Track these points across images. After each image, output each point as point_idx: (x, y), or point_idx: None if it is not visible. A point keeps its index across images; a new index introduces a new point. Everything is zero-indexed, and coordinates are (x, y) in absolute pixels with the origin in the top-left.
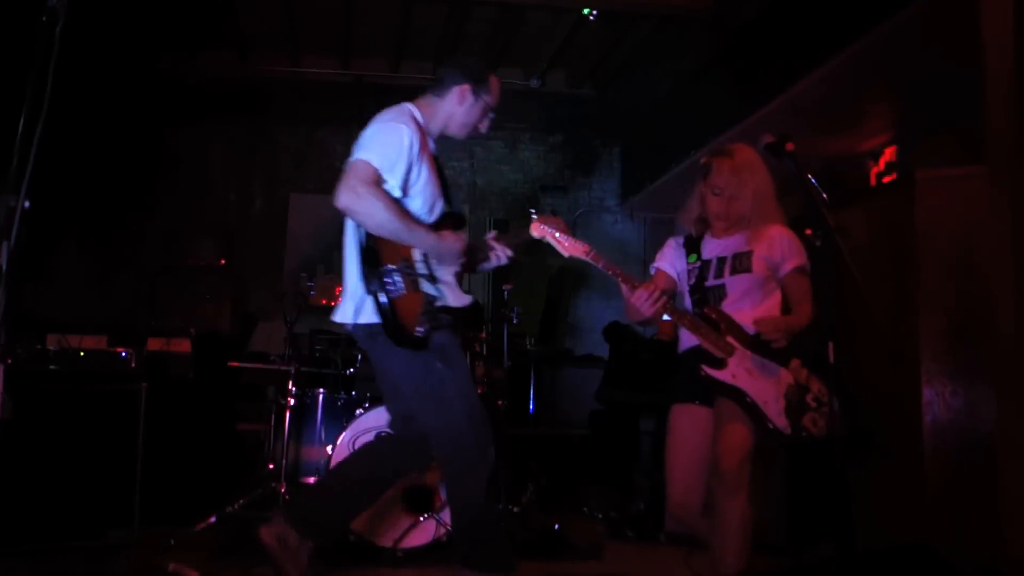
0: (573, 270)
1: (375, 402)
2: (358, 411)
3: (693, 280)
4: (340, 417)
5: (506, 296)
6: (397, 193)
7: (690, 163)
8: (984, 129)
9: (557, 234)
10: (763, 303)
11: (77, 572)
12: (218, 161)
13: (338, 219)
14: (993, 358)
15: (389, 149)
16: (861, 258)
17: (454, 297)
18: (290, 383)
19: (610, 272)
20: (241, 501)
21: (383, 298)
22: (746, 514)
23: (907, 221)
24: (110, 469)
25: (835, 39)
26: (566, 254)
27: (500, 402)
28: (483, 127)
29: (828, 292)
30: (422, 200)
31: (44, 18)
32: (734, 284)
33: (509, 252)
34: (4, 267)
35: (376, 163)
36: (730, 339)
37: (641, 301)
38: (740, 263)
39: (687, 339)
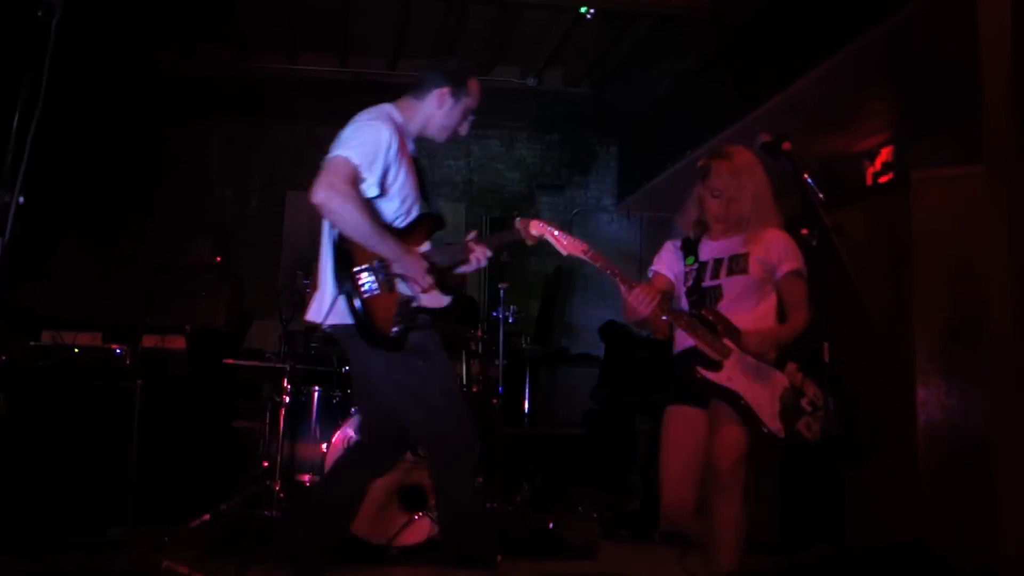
0: (569, 269)
1: None
2: (353, 408)
3: (690, 282)
4: (335, 415)
5: (502, 295)
6: (374, 192)
7: (687, 163)
8: (981, 129)
9: (556, 232)
10: (759, 306)
11: (72, 569)
12: (215, 159)
13: None
14: (988, 358)
15: (368, 148)
16: (857, 258)
17: (430, 297)
18: (285, 380)
19: (608, 271)
20: (236, 499)
21: (356, 299)
22: (740, 514)
23: (903, 221)
24: (105, 466)
25: (833, 39)
26: (564, 252)
27: (495, 401)
28: (463, 130)
29: (824, 292)
30: (399, 201)
31: (40, 12)
32: (730, 285)
33: (488, 253)
34: None
35: (355, 160)
36: (726, 341)
37: (638, 301)
38: (737, 265)
39: (682, 340)
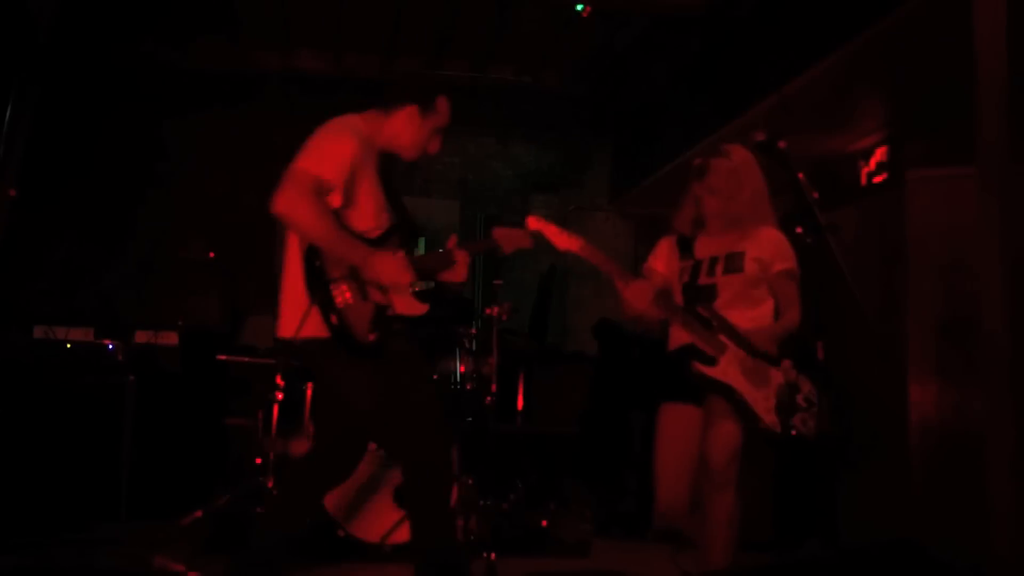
0: (564, 267)
1: None
2: None
3: (686, 279)
4: None
5: (496, 292)
6: (339, 203)
7: (681, 162)
8: (974, 130)
9: (552, 228)
10: (757, 307)
11: (62, 565)
12: (209, 154)
13: None
14: (981, 357)
15: (332, 160)
16: (851, 257)
17: (406, 305)
18: (278, 377)
19: (604, 267)
20: (229, 495)
21: (330, 310)
22: (734, 511)
23: (897, 221)
24: (96, 462)
25: (828, 39)
26: (561, 248)
27: (488, 399)
28: (432, 148)
29: (818, 291)
30: (365, 213)
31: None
32: (725, 284)
33: (468, 260)
34: None
35: (317, 172)
36: (722, 337)
37: (635, 296)
38: (732, 263)
39: (678, 337)
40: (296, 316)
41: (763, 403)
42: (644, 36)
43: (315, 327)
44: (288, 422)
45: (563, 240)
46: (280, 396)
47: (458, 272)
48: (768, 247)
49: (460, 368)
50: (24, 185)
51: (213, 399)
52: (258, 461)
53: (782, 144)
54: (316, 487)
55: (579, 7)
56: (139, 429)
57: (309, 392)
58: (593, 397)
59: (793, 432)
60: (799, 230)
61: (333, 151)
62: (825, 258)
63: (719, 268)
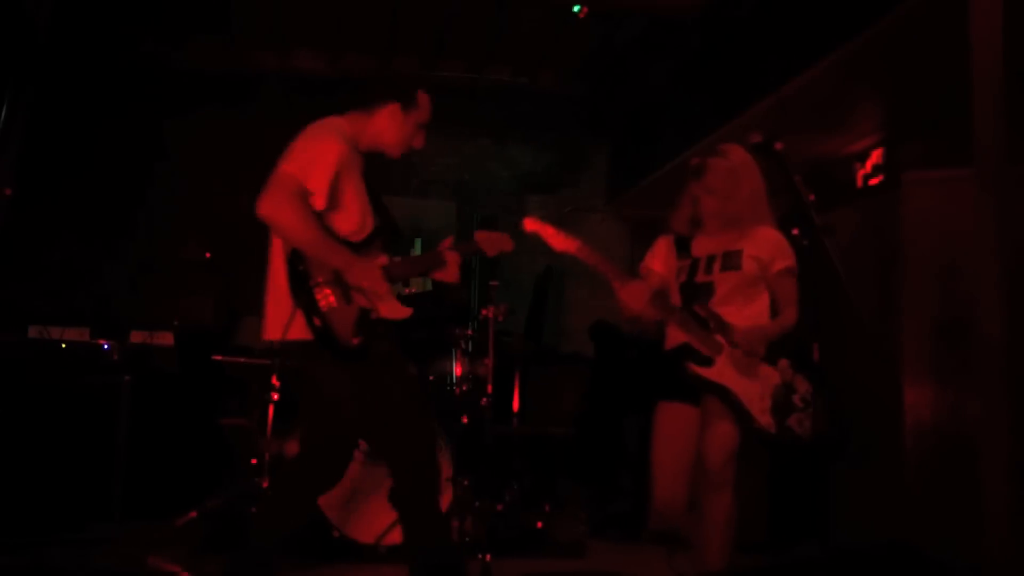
0: (560, 268)
1: None
2: None
3: (683, 277)
4: None
5: (492, 294)
6: (323, 206)
7: (678, 163)
8: (971, 132)
9: (549, 229)
10: (752, 305)
11: (57, 565)
12: (206, 153)
13: None
14: (976, 359)
15: (316, 164)
16: (847, 259)
17: (389, 308)
18: (274, 378)
19: (600, 268)
20: (223, 496)
21: (314, 313)
22: (730, 512)
23: (893, 223)
24: (91, 462)
25: (825, 41)
26: (557, 249)
27: (484, 400)
28: (417, 144)
29: (814, 292)
30: (350, 216)
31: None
32: (722, 281)
33: (458, 261)
34: None
35: (302, 176)
36: (718, 337)
37: (631, 297)
38: (730, 261)
39: (674, 336)
40: (280, 319)
41: (758, 404)
42: (641, 37)
43: (299, 330)
44: (283, 422)
45: (560, 241)
46: (276, 396)
47: (449, 272)
48: (767, 246)
49: (456, 369)
50: (20, 184)
51: (209, 399)
52: (253, 461)
53: (778, 146)
54: (308, 489)
55: (576, 8)
56: (134, 429)
57: None
58: (589, 398)
59: (788, 434)
60: (795, 231)
61: (319, 154)
62: (821, 260)
63: (716, 266)
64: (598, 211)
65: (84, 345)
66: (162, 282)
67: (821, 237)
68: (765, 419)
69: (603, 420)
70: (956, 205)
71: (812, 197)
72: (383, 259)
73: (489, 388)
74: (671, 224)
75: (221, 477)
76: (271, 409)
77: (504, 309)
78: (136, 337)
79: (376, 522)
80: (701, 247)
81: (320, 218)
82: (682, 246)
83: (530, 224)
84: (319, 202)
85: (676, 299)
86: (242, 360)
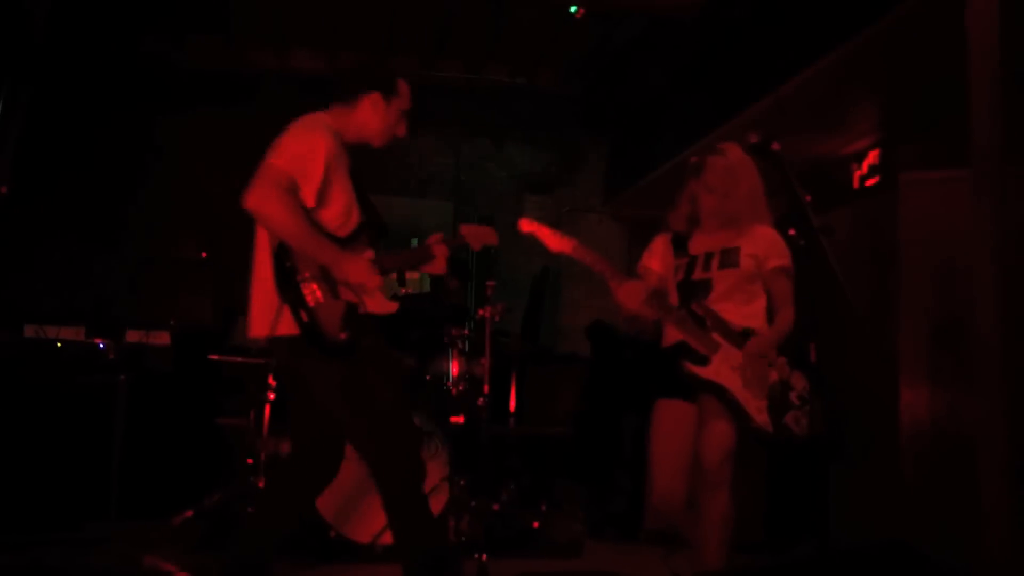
0: (557, 268)
1: None
2: None
3: (680, 275)
4: None
5: (489, 294)
6: (311, 202)
7: (676, 163)
8: (968, 133)
9: (545, 230)
10: (750, 304)
11: (52, 564)
12: (203, 152)
13: None
14: (973, 360)
15: (304, 158)
16: (844, 260)
17: (376, 303)
18: (270, 377)
19: (597, 268)
20: (219, 495)
21: (301, 307)
22: (728, 511)
23: (890, 224)
24: (87, 461)
25: (822, 41)
26: (553, 250)
27: (481, 400)
28: (400, 132)
29: (811, 293)
30: (336, 211)
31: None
32: (720, 279)
33: (446, 254)
34: None
35: (289, 169)
36: (715, 336)
37: (627, 296)
38: (728, 258)
39: (672, 334)
40: (267, 315)
41: (755, 402)
42: (639, 37)
43: (287, 325)
44: (280, 422)
45: (555, 242)
46: (272, 396)
47: (437, 265)
48: (763, 244)
49: (453, 369)
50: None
51: (205, 399)
52: (250, 461)
53: (776, 146)
54: (302, 488)
55: (573, 8)
56: (131, 429)
57: None
58: (586, 398)
59: (785, 432)
60: (792, 232)
61: (306, 149)
62: (818, 260)
63: (714, 263)
64: (596, 211)
65: (80, 344)
66: (159, 281)
67: (818, 237)
68: (762, 418)
69: (600, 420)
70: (953, 206)
71: (808, 198)
72: (370, 253)
73: (486, 388)
74: (669, 222)
75: (218, 476)
76: (267, 408)
77: (501, 309)
78: (132, 336)
79: (373, 522)
80: (699, 245)
81: (308, 213)
82: (679, 244)
83: (525, 225)
84: (308, 197)
85: (674, 297)
86: (239, 359)
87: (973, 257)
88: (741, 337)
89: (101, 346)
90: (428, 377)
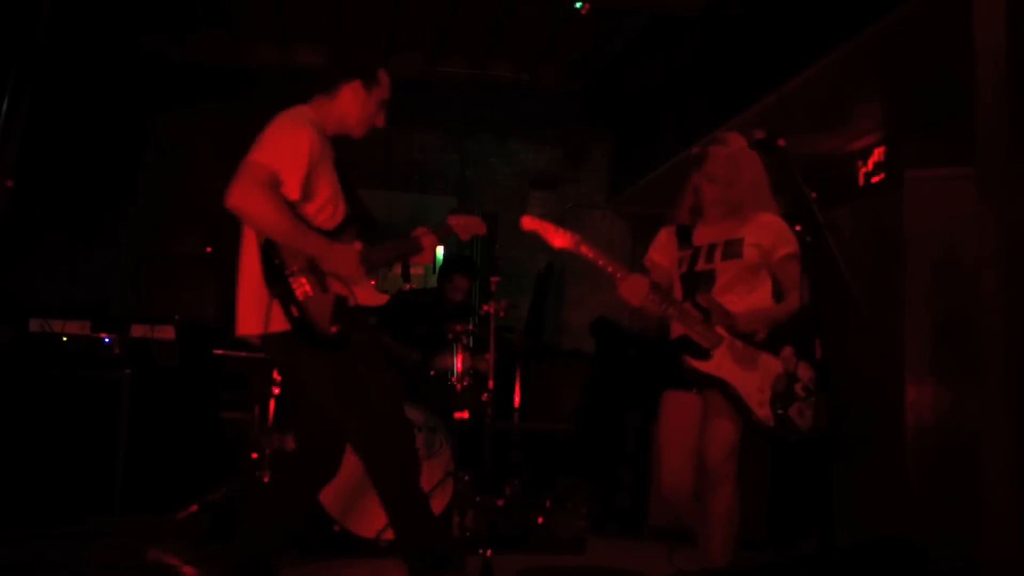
0: (561, 265)
1: None
2: None
3: (684, 268)
4: None
5: (493, 290)
6: (295, 195)
7: (680, 160)
8: (974, 130)
9: (547, 226)
10: (753, 292)
11: (56, 558)
12: (206, 147)
13: None
14: (978, 358)
15: (287, 152)
16: (849, 257)
17: (367, 295)
18: (275, 371)
19: (600, 262)
20: (224, 490)
21: (291, 302)
22: (732, 507)
23: (895, 221)
24: (91, 455)
25: (826, 38)
26: (556, 246)
27: (485, 395)
28: (379, 122)
29: (816, 289)
30: (322, 203)
31: None
32: (724, 270)
33: (435, 245)
34: None
35: (272, 165)
36: (719, 329)
37: (629, 291)
38: (731, 249)
39: (679, 327)
40: (257, 312)
41: (757, 396)
42: (642, 34)
43: (278, 322)
44: (284, 416)
45: (558, 238)
46: (276, 391)
47: (427, 256)
48: (768, 233)
49: (457, 365)
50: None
51: (209, 393)
52: (254, 456)
53: (781, 142)
54: (305, 483)
55: (578, 4)
56: (135, 423)
57: None
58: (589, 395)
59: (787, 426)
60: (798, 228)
61: (289, 143)
62: (824, 257)
63: (717, 254)
64: (600, 207)
65: (85, 339)
66: (163, 276)
67: (824, 234)
68: (763, 412)
69: (603, 416)
70: (958, 203)
71: (814, 195)
72: (358, 245)
73: (490, 384)
74: (674, 214)
75: (221, 471)
76: (272, 403)
77: (505, 305)
78: (137, 331)
79: (376, 516)
80: (702, 236)
81: (293, 207)
82: (683, 236)
83: (528, 222)
84: (293, 191)
85: (678, 289)
86: (243, 354)
87: (978, 254)
88: (742, 325)
89: (106, 340)
90: (432, 372)
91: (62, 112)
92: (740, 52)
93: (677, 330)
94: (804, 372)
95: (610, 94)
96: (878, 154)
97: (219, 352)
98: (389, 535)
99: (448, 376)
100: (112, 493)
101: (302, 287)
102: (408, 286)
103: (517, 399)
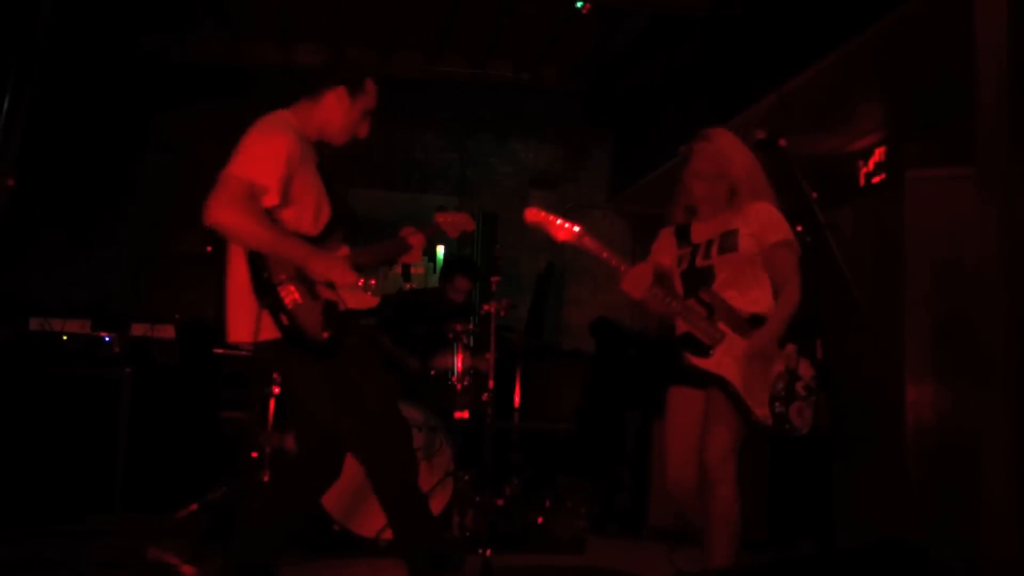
0: (562, 264)
1: None
2: None
3: (684, 265)
4: None
5: (493, 289)
6: (275, 202)
7: (680, 160)
8: (975, 130)
9: (550, 217)
10: (754, 287)
11: (56, 557)
12: (206, 147)
13: None
14: (978, 358)
15: (263, 160)
16: (849, 257)
17: (355, 299)
18: (275, 372)
19: (603, 255)
20: (224, 489)
21: (280, 310)
22: (731, 507)
23: (896, 221)
24: (92, 454)
25: (828, 38)
26: (559, 239)
27: (485, 395)
28: (362, 132)
29: (817, 289)
30: (304, 208)
31: None
32: (722, 264)
33: (424, 242)
34: None
35: (250, 177)
36: (721, 325)
37: (631, 284)
38: (727, 242)
39: (682, 322)
40: (247, 320)
41: (758, 394)
42: (643, 34)
43: (268, 330)
44: (284, 416)
45: (561, 231)
46: (276, 390)
47: (415, 255)
48: (758, 221)
49: (458, 364)
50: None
51: (209, 392)
52: (254, 455)
53: (782, 142)
54: (307, 487)
55: (579, 4)
56: (135, 422)
57: None
58: (590, 394)
59: (787, 425)
60: (799, 228)
61: (265, 151)
62: (825, 257)
63: (714, 249)
64: (600, 207)
65: (85, 337)
66: (163, 275)
67: (825, 234)
68: (762, 411)
69: (604, 416)
70: (959, 203)
71: (815, 195)
72: (345, 250)
73: (490, 383)
74: (670, 213)
75: (221, 470)
76: (272, 403)
77: (506, 305)
78: (137, 330)
79: (376, 516)
80: (699, 233)
81: (272, 214)
82: (682, 235)
83: (531, 215)
84: (271, 198)
85: (679, 288)
86: (243, 353)
87: (979, 254)
88: (748, 324)
89: (107, 339)
90: (432, 372)
91: (63, 111)
92: (741, 52)
93: (681, 327)
94: (806, 370)
95: (611, 94)
96: (879, 154)
97: (219, 351)
98: (389, 535)
99: (448, 376)
100: (112, 492)
101: (291, 295)
102: (408, 286)
103: (517, 399)
